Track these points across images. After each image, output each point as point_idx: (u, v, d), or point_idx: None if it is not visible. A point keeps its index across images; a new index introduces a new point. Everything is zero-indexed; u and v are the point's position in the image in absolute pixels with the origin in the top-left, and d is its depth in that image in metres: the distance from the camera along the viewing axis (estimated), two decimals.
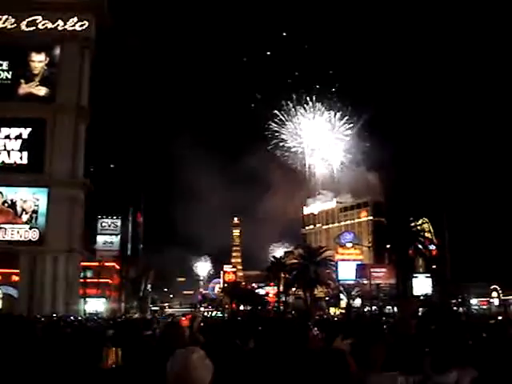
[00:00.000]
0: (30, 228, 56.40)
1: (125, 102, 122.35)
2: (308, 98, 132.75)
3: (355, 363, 4.89)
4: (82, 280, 64.08)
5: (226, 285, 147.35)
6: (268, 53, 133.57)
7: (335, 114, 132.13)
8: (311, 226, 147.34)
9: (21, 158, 57.56)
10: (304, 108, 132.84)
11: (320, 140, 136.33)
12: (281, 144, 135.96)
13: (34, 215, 56.53)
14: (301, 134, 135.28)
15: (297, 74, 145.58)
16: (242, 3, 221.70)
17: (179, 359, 3.86)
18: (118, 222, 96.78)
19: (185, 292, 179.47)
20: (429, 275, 74.71)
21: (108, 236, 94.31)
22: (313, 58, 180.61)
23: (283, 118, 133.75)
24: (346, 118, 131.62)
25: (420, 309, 40.12)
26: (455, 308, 58.17)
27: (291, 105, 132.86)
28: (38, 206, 56.58)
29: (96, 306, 72.83)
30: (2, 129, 57.76)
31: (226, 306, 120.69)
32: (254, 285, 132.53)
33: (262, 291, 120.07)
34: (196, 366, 3.81)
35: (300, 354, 5.70)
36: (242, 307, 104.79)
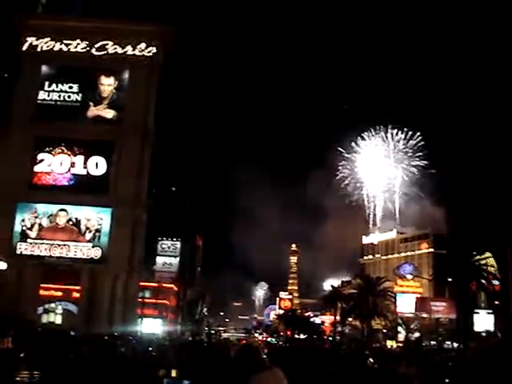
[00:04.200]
0: (93, 246, 57.74)
1: (188, 125, 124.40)
2: (369, 131, 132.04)
3: None
4: (140, 300, 64.85)
5: (281, 311, 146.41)
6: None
7: (395, 146, 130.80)
8: (370, 256, 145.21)
9: (87, 178, 59.22)
10: (364, 139, 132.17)
11: (380, 171, 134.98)
12: (342, 173, 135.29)
13: (97, 234, 57.91)
14: (361, 165, 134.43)
15: (347, 107, 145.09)
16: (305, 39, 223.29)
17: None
18: (178, 245, 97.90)
19: (240, 317, 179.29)
20: (491, 311, 72.27)
21: (167, 258, 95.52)
22: (371, 92, 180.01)
23: (343, 149, 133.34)
24: (409, 149, 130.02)
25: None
26: None
27: (353, 136, 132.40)
28: (101, 225, 57.96)
29: (152, 326, 73.51)
30: (71, 149, 59.59)
31: (281, 333, 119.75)
32: (309, 313, 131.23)
33: (317, 320, 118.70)
34: None
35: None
36: (296, 335, 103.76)
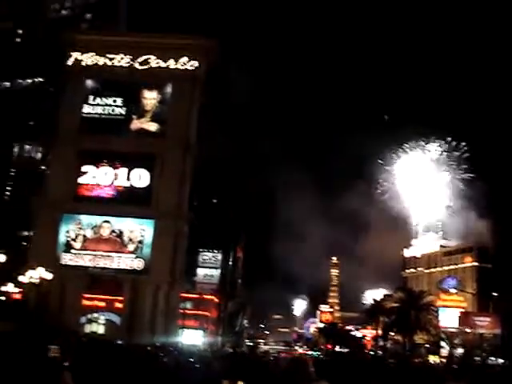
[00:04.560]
0: (136, 258, 58.42)
1: (230, 137, 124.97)
2: (410, 142, 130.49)
3: None
4: (181, 311, 65.20)
5: (322, 325, 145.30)
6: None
7: (438, 158, 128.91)
8: (412, 269, 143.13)
9: (130, 190, 60.06)
10: (406, 150, 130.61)
11: (422, 182, 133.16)
12: (383, 185, 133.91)
13: (139, 245, 58.57)
14: (402, 177, 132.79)
15: (389, 118, 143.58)
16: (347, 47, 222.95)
17: None
18: (219, 256, 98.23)
19: (280, 329, 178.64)
20: None
21: (208, 269, 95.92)
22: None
23: (384, 161, 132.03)
24: (452, 160, 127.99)
25: None
26: None
27: (394, 147, 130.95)
28: (143, 236, 58.63)
29: (193, 337, 73.80)
30: (114, 162, 60.51)
31: (322, 347, 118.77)
32: (350, 326, 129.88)
33: (358, 333, 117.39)
34: None
35: None
36: (337, 348, 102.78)
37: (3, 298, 51.43)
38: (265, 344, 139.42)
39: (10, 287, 51.64)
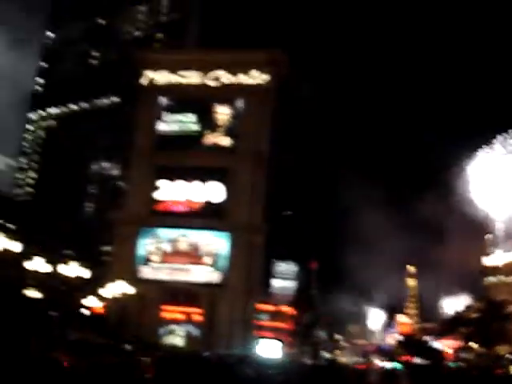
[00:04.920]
0: (212, 270, 59.14)
1: (303, 149, 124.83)
2: (488, 144, 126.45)
3: None
4: (257, 322, 65.27)
5: (400, 336, 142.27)
6: None
7: None
8: (493, 279, 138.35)
9: (205, 204, 61.01)
10: (484, 153, 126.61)
11: (502, 187, 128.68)
12: (460, 190, 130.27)
13: (216, 258, 59.30)
14: (481, 181, 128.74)
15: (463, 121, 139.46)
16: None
17: None
18: (294, 268, 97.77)
19: (356, 341, 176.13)
20: None
21: (283, 280, 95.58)
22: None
23: (462, 165, 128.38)
24: None
25: None
26: None
27: (471, 150, 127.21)
28: (219, 249, 59.33)
29: (269, 348, 73.69)
30: (189, 176, 61.63)
31: (400, 358, 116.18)
32: (428, 337, 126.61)
33: (437, 344, 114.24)
34: None
35: None
36: (417, 360, 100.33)
37: (87, 311, 53.06)
38: (341, 356, 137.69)
39: (92, 300, 53.31)
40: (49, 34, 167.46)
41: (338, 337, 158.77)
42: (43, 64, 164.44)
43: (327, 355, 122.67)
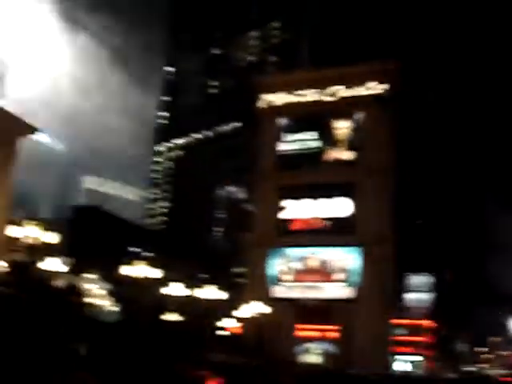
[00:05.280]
0: (345, 286, 58.74)
1: (430, 156, 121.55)
2: None
3: None
4: (393, 337, 63.89)
5: None
6: None
7: None
8: None
9: (332, 220, 60.93)
10: None
11: None
12: None
13: (347, 274, 58.85)
14: None
15: None
16: None
17: None
18: (429, 279, 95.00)
19: (500, 352, 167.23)
20: None
21: (419, 293, 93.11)
22: None
23: None
24: None
25: None
26: None
27: None
28: (351, 264, 58.81)
29: (406, 364, 71.91)
30: (314, 194, 61.85)
31: None
32: None
33: None
34: None
35: None
36: None
37: (225, 333, 54.44)
38: (485, 368, 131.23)
39: (229, 322, 54.69)
40: (168, 68, 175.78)
41: (479, 349, 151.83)
42: (165, 97, 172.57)
43: (469, 368, 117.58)
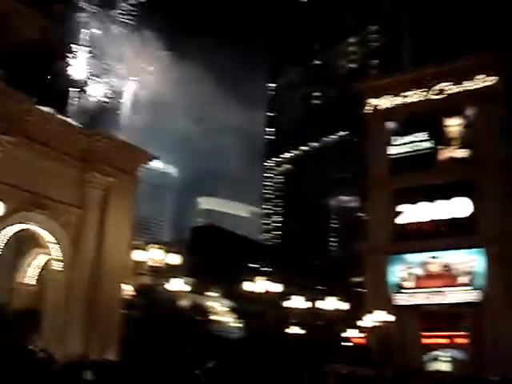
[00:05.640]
0: (470, 289, 56.39)
1: None
2: None
3: None
4: None
5: None
6: None
7: None
8: None
9: (451, 221, 58.90)
10: None
11: None
12: None
13: (472, 276, 56.48)
14: None
15: None
16: None
17: None
18: None
19: None
20: None
21: None
22: None
23: None
24: None
25: None
26: None
27: None
28: (475, 266, 56.41)
29: None
30: (430, 196, 60.11)
31: None
32: None
33: None
34: None
35: None
36: None
37: (349, 343, 53.94)
38: None
39: (352, 332, 54.15)
40: (271, 84, 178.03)
41: None
42: (270, 113, 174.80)
43: None
